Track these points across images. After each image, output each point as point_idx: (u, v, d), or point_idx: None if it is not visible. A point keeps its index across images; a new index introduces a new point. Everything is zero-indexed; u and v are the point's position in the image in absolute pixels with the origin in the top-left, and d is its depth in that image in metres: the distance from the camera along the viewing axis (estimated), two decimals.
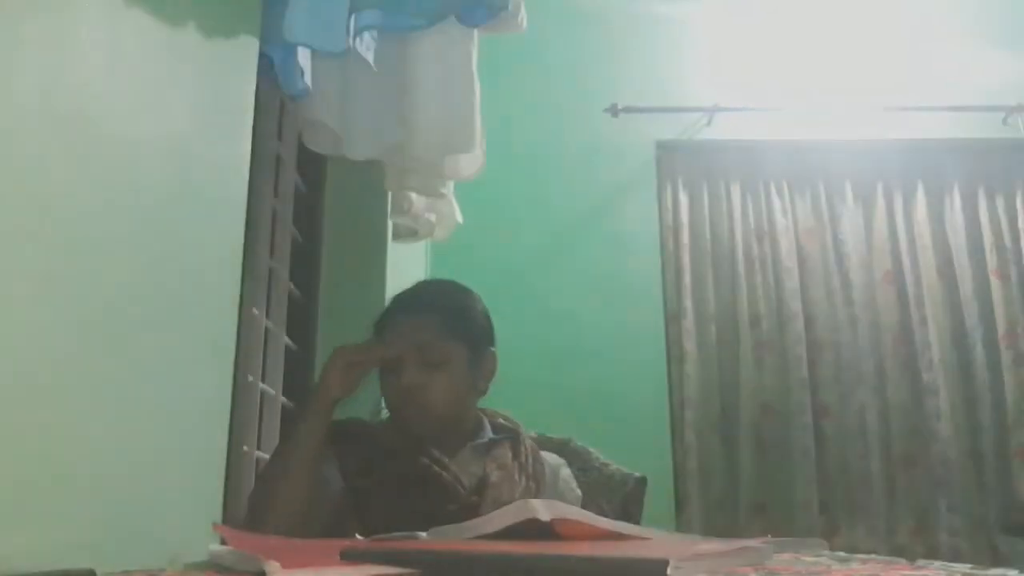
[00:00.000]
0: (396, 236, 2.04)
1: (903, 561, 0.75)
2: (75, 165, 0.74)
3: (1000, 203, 3.02)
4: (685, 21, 3.18)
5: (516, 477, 1.25)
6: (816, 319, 2.91)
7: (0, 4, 0.65)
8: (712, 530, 2.68)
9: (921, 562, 0.74)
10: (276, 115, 1.62)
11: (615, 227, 2.97)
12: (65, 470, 0.71)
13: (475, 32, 1.55)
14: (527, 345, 2.64)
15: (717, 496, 2.77)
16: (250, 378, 1.46)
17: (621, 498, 1.48)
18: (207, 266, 1.04)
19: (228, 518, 1.13)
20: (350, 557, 0.60)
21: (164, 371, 0.90)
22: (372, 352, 1.23)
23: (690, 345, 2.86)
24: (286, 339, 1.68)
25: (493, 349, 1.33)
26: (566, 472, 1.36)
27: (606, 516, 1.04)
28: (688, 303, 2.90)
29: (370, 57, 1.47)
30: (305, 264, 1.87)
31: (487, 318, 1.34)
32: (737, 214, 3.02)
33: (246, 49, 1.21)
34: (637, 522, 1.44)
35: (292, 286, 1.73)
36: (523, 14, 1.60)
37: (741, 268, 2.94)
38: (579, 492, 1.34)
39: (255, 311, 1.49)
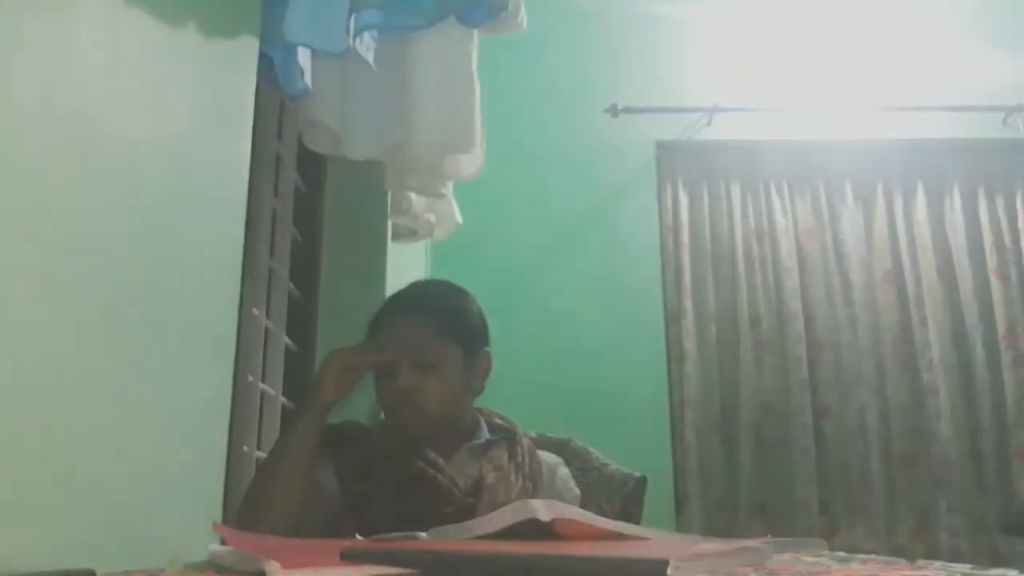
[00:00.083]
0: (395, 236, 2.04)
1: (903, 561, 0.75)
2: (75, 165, 0.74)
3: (1000, 203, 3.03)
4: (685, 21, 3.18)
5: (512, 478, 1.25)
6: (816, 319, 2.91)
7: (0, 4, 0.65)
8: (712, 530, 2.68)
9: (921, 562, 0.74)
10: (276, 115, 1.62)
11: (615, 227, 2.97)
12: (65, 470, 0.71)
13: (475, 32, 1.55)
14: (527, 345, 2.64)
15: (717, 496, 2.77)
16: (250, 378, 1.46)
17: (621, 498, 1.47)
18: (207, 266, 1.04)
19: (228, 518, 1.13)
20: (350, 557, 0.60)
21: (164, 371, 0.90)
22: (368, 355, 1.22)
23: (690, 345, 2.86)
24: (286, 339, 1.68)
25: (488, 349, 1.33)
26: (563, 471, 1.36)
27: (606, 516, 1.04)
28: (688, 303, 2.90)
29: (370, 57, 1.47)
30: (305, 264, 1.87)
31: (481, 318, 1.34)
32: (737, 214, 3.02)
33: (246, 49, 1.21)
34: (637, 522, 1.43)
35: (292, 286, 1.73)
36: (523, 14, 1.60)
37: (741, 268, 2.94)
38: (577, 491, 1.34)
39: (255, 311, 1.49)
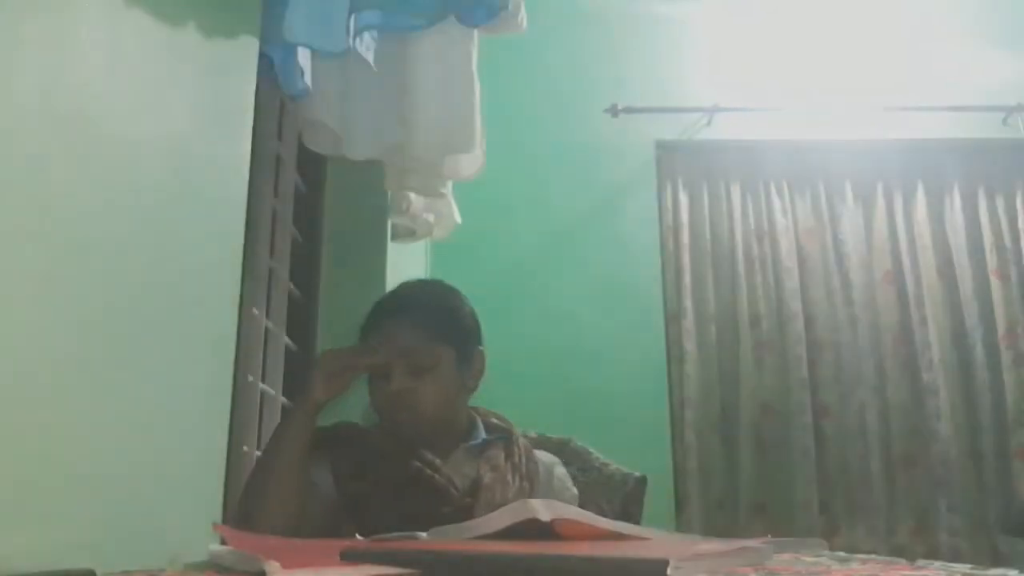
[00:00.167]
0: (395, 236, 2.04)
1: (903, 561, 0.75)
2: (75, 165, 0.74)
3: (1000, 203, 3.02)
4: (685, 21, 3.18)
5: (509, 478, 1.25)
6: (816, 319, 2.91)
7: (0, 4, 0.65)
8: (712, 530, 2.68)
9: (921, 562, 0.74)
10: (276, 115, 1.62)
11: (615, 227, 2.97)
12: (65, 470, 0.71)
13: (475, 32, 1.55)
14: (527, 345, 2.64)
15: (717, 496, 2.77)
16: (250, 378, 1.46)
17: (621, 498, 1.47)
18: (207, 266, 1.04)
19: (228, 518, 1.13)
20: (350, 557, 0.60)
21: (164, 371, 0.90)
22: (360, 357, 1.22)
23: (690, 345, 2.86)
24: (286, 339, 1.68)
25: (481, 348, 1.32)
26: (560, 471, 1.35)
27: (606, 516, 1.04)
28: (688, 303, 2.90)
29: (370, 57, 1.47)
30: (305, 264, 1.87)
31: (473, 317, 1.33)
32: (737, 214, 3.02)
33: (246, 49, 1.21)
34: (637, 522, 1.43)
35: (292, 286, 1.73)
36: (523, 14, 1.60)
37: (741, 268, 2.94)
38: (575, 491, 1.34)
39: (255, 311, 1.49)
